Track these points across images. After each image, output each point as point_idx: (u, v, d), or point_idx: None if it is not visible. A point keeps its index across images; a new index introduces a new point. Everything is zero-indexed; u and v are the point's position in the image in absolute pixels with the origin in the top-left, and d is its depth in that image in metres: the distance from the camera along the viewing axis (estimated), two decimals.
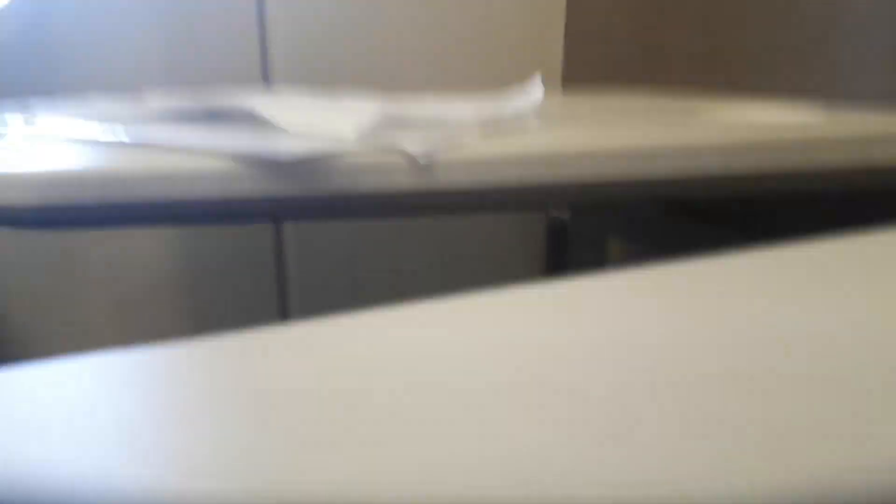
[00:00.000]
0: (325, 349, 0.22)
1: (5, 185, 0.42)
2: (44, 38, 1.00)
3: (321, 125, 0.53)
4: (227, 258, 1.10)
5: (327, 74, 1.04)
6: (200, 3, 1.03)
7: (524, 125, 0.62)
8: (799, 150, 0.59)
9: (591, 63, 1.13)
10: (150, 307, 1.08)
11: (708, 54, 0.93)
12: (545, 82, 0.70)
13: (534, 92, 0.68)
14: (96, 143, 0.52)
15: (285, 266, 1.11)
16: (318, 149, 0.47)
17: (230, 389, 0.19)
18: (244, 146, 0.48)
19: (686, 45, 0.96)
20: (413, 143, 0.50)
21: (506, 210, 0.90)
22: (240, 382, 0.19)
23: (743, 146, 0.59)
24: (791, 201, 0.72)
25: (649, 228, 0.99)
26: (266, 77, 1.07)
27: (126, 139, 0.52)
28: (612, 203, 0.84)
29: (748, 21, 0.87)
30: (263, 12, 1.04)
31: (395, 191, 0.50)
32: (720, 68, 0.91)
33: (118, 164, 0.46)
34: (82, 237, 1.03)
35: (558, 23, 1.15)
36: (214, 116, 0.65)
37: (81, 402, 0.18)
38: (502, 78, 0.80)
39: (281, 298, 1.11)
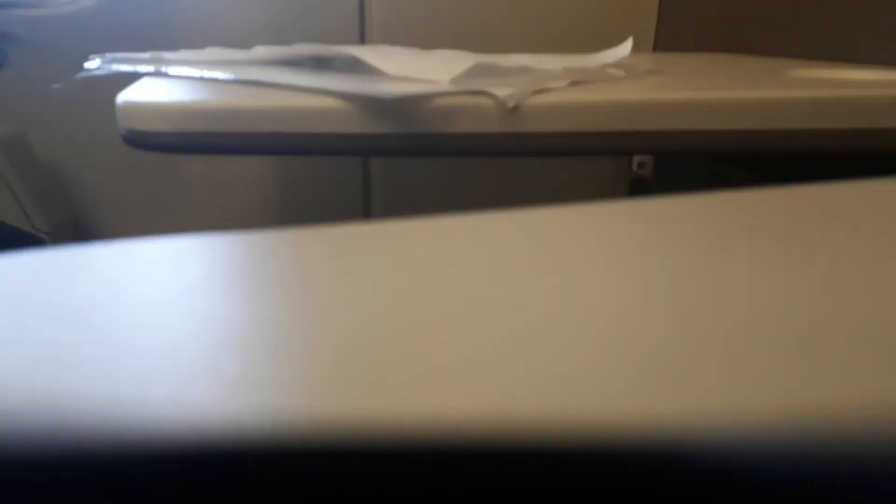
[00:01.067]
0: (405, 246, 0.23)
1: (144, 114, 0.48)
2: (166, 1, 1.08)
3: (418, 70, 0.57)
4: (318, 189, 1.18)
5: (423, 38, 1.08)
6: None
7: (611, 76, 0.64)
8: (887, 107, 0.58)
9: (682, 31, 1.13)
10: (241, 225, 1.17)
11: (801, 25, 0.91)
12: (636, 48, 0.71)
13: (622, 48, 0.70)
14: (217, 82, 0.58)
15: (371, 199, 1.18)
16: (414, 90, 0.51)
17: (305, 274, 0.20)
18: (348, 86, 0.52)
19: (779, 16, 0.95)
20: (502, 88, 0.53)
21: (587, 154, 0.92)
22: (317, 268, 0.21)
23: (833, 101, 0.59)
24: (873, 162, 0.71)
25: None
26: (363, 40, 1.12)
27: (242, 78, 0.58)
28: (690, 153, 0.85)
29: None
30: None
31: (484, 132, 0.53)
32: (811, 39, 0.89)
33: (235, 100, 0.51)
34: (191, 158, 1.13)
35: None
36: (319, 62, 0.70)
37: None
38: (595, 46, 0.82)
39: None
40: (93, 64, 0.68)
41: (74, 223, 1.16)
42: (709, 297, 0.20)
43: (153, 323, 0.16)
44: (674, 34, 1.14)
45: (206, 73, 0.61)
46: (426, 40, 1.05)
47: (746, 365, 0.16)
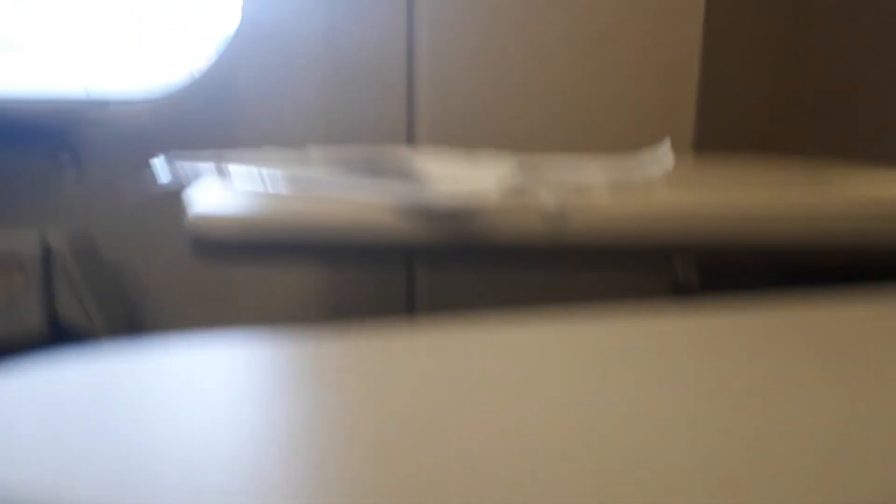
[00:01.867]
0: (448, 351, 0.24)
1: (214, 225, 0.51)
2: (227, 101, 1.15)
3: (466, 180, 0.60)
4: (363, 297, 1.20)
5: (468, 137, 1.12)
6: (355, 73, 1.15)
7: (653, 186, 0.66)
8: None
9: (721, 130, 1.15)
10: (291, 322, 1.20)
11: (841, 122, 0.93)
12: (676, 146, 0.73)
13: (663, 155, 0.72)
14: (279, 192, 0.61)
15: (415, 308, 1.19)
16: (463, 200, 0.54)
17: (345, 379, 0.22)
18: (400, 195, 0.55)
19: (817, 114, 0.96)
20: (547, 198, 0.55)
21: (633, 265, 0.93)
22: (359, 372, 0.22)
23: (878, 215, 0.59)
24: None
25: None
26: (411, 138, 1.17)
27: (299, 187, 0.61)
28: (738, 264, 0.85)
29: (884, 94, 0.86)
30: (412, 81, 1.15)
31: (530, 241, 0.55)
32: (856, 141, 0.90)
33: (292, 210, 0.54)
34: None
35: (691, 90, 1.18)
36: (372, 169, 0.73)
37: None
38: (635, 143, 0.84)
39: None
40: (158, 163, 0.73)
41: (132, 323, 1.19)
42: (759, 419, 0.20)
43: (189, 434, 0.17)
44: (713, 131, 1.16)
45: (266, 175, 0.64)
46: (470, 141, 1.09)
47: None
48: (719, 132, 1.15)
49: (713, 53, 1.15)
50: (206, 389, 0.20)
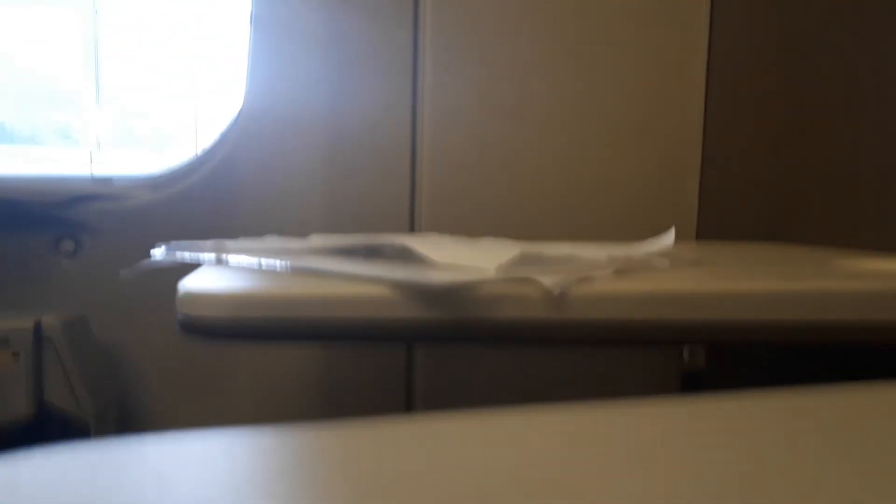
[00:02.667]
0: (445, 444, 0.23)
1: (202, 301, 0.50)
2: (229, 185, 1.16)
3: (465, 259, 0.59)
4: (362, 375, 1.17)
5: (469, 226, 1.12)
6: (358, 159, 1.17)
7: (655, 265, 0.65)
8: None
9: (723, 222, 1.15)
10: (286, 415, 1.16)
11: (841, 215, 0.92)
12: (678, 236, 0.73)
13: (666, 238, 0.72)
14: (274, 272, 0.60)
15: (414, 386, 1.16)
16: (462, 279, 0.52)
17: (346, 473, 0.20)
18: (398, 274, 0.54)
19: (819, 205, 0.97)
20: (548, 276, 0.54)
21: (634, 345, 0.91)
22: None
23: (881, 293, 0.58)
24: None
25: (788, 383, 0.95)
26: (413, 226, 1.17)
27: (298, 268, 0.60)
28: (744, 344, 0.83)
29: (884, 181, 0.87)
30: (415, 168, 1.16)
31: (530, 319, 0.54)
32: (858, 230, 0.90)
33: (289, 289, 0.53)
34: (240, 347, 1.16)
35: (693, 181, 1.19)
36: (371, 250, 0.73)
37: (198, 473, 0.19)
38: (637, 233, 0.84)
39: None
40: (158, 252, 0.73)
41: (121, 407, 1.17)
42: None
43: None
44: (715, 222, 1.16)
45: (265, 262, 0.64)
46: (472, 227, 1.09)
47: None
48: (721, 223, 1.16)
49: (714, 144, 1.17)
50: (191, 490, 0.18)
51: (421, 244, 0.65)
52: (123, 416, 1.17)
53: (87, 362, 1.08)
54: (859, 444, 0.24)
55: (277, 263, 0.62)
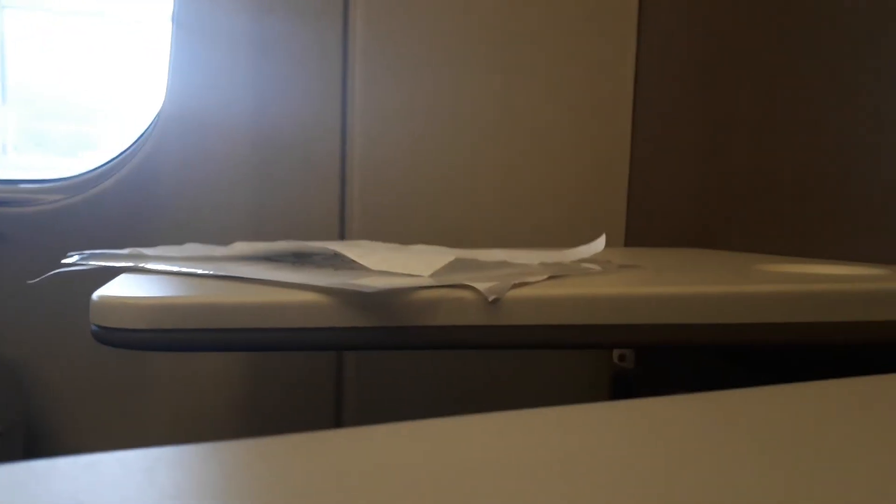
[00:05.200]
0: (372, 455, 0.22)
1: (118, 310, 0.47)
2: (148, 191, 1.11)
3: (398, 265, 0.57)
4: (289, 385, 1.14)
5: (401, 233, 1.11)
6: (285, 168, 1.14)
7: (587, 270, 0.65)
8: (862, 301, 0.59)
9: (651, 230, 1.18)
10: (208, 427, 1.12)
11: (766, 223, 0.96)
12: (608, 244, 0.74)
13: (596, 244, 0.72)
14: (194, 278, 0.58)
15: (343, 395, 1.14)
16: (397, 285, 0.51)
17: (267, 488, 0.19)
18: (328, 281, 0.52)
19: (744, 214, 1.00)
20: (482, 283, 0.53)
21: (568, 348, 0.91)
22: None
23: (807, 295, 0.60)
24: (847, 353, 0.71)
25: (714, 382, 0.98)
26: (342, 236, 1.15)
27: (221, 274, 0.58)
28: (672, 347, 0.84)
29: (808, 190, 0.90)
30: (344, 177, 1.14)
31: (464, 325, 0.53)
32: (780, 237, 0.93)
33: (211, 296, 0.51)
34: (157, 358, 1.10)
35: (621, 191, 1.21)
36: (299, 258, 0.70)
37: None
38: (566, 242, 0.84)
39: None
40: (71, 260, 0.68)
41: (28, 422, 1.10)
42: None
43: None
44: (643, 230, 1.19)
45: (185, 269, 0.61)
46: (404, 236, 1.08)
47: None
48: (648, 229, 1.18)
49: (642, 154, 1.19)
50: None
51: (352, 250, 0.63)
52: (31, 434, 1.10)
53: None
54: (789, 443, 0.25)
55: (200, 271, 0.59)
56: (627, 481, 0.20)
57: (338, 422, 1.16)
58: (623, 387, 1.12)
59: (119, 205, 1.10)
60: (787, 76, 0.93)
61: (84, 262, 0.67)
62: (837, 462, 0.22)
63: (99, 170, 1.14)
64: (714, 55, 1.07)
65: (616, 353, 1.14)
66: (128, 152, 1.14)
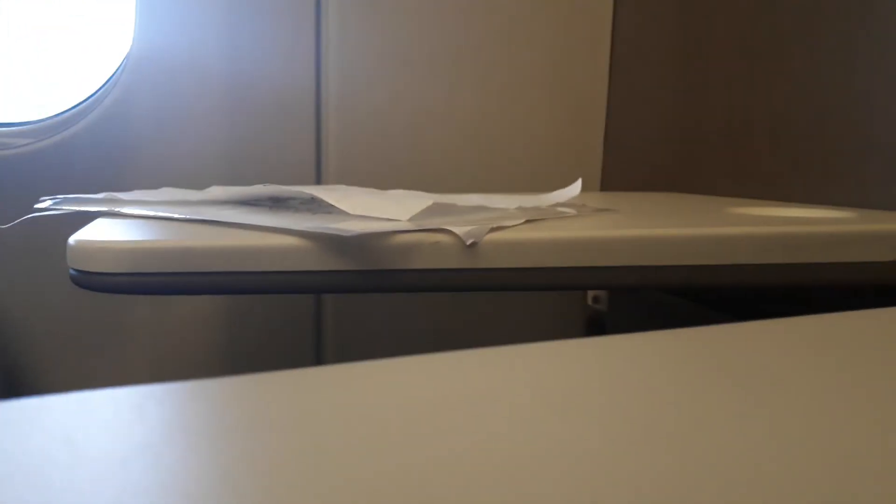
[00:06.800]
0: (352, 391, 0.22)
1: (96, 254, 0.47)
2: (120, 135, 1.09)
3: (376, 209, 0.58)
4: (269, 326, 1.15)
5: (378, 179, 1.11)
6: (259, 111, 1.12)
7: (563, 214, 0.66)
8: (829, 242, 0.61)
9: (627, 174, 1.19)
10: (188, 370, 1.12)
11: (740, 168, 0.97)
12: (584, 187, 0.74)
13: (573, 189, 0.73)
14: (171, 222, 0.57)
15: (323, 336, 1.15)
16: (373, 228, 0.51)
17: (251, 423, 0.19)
18: (306, 224, 0.52)
19: (721, 159, 1.01)
20: (460, 226, 0.54)
21: (544, 290, 0.93)
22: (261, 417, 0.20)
23: (776, 237, 0.61)
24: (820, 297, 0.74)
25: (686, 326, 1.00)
26: (319, 181, 1.14)
27: (197, 218, 0.58)
28: (644, 289, 0.86)
29: (782, 135, 0.91)
30: (320, 119, 1.13)
31: (442, 268, 0.53)
32: (754, 182, 0.95)
33: (189, 240, 0.51)
34: (137, 302, 1.10)
35: (598, 136, 1.21)
36: (276, 202, 0.70)
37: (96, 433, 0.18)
38: (543, 187, 0.85)
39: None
40: (44, 205, 0.68)
41: (7, 371, 1.10)
42: (675, 437, 0.19)
43: (114, 479, 0.15)
44: (619, 176, 1.19)
45: (161, 213, 0.61)
46: (381, 180, 1.08)
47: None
48: (624, 174, 1.19)
49: (618, 98, 1.19)
50: (101, 447, 0.17)
51: (329, 195, 0.63)
52: (10, 379, 1.10)
53: None
54: (762, 377, 0.26)
55: (177, 215, 0.59)
56: (604, 415, 0.21)
57: (318, 365, 1.17)
58: (596, 328, 1.15)
59: (90, 149, 1.08)
60: (763, 21, 0.93)
61: (58, 207, 0.66)
62: (797, 395, 0.23)
63: (67, 113, 1.12)
64: (691, 1, 1.06)
65: (590, 295, 1.16)
66: (96, 95, 1.12)
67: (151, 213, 0.61)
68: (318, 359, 1.18)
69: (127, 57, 1.08)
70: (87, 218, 0.61)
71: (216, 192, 0.74)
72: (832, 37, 0.83)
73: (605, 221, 0.65)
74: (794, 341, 0.31)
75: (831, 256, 0.61)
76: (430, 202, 0.61)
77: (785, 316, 0.35)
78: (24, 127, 1.11)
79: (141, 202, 0.69)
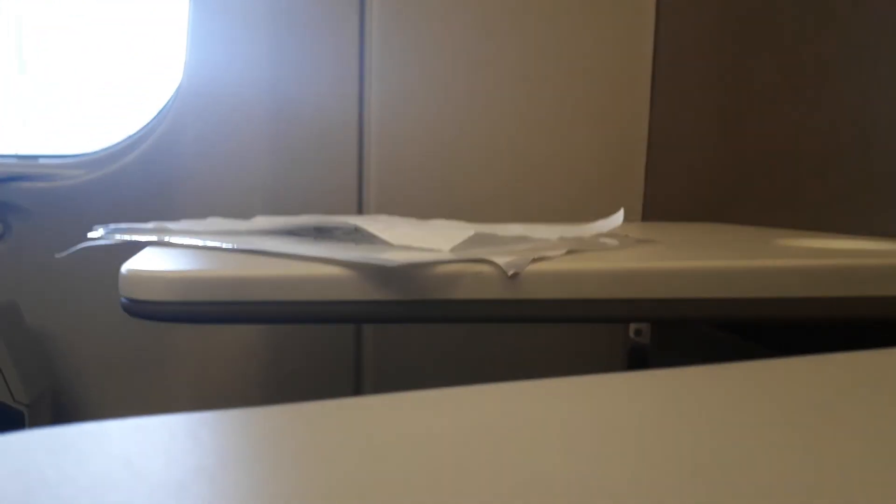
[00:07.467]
0: (391, 424, 0.22)
1: (147, 283, 0.48)
2: (169, 166, 1.12)
3: (418, 240, 0.58)
4: (309, 358, 1.16)
5: (418, 210, 1.12)
6: (303, 143, 1.15)
7: (605, 245, 0.65)
8: (882, 276, 0.59)
9: (669, 204, 1.18)
10: (231, 398, 1.14)
11: (784, 197, 0.95)
12: (626, 218, 0.74)
13: (614, 219, 0.72)
14: (219, 252, 0.59)
15: (363, 367, 1.16)
16: (416, 258, 0.52)
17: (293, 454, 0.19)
18: (349, 255, 0.53)
19: (762, 189, 0.99)
20: (501, 256, 0.54)
21: (586, 321, 0.92)
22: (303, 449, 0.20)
23: (825, 270, 0.60)
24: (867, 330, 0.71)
25: (729, 359, 0.98)
26: (361, 211, 1.16)
27: (244, 248, 0.59)
28: (689, 321, 0.85)
29: (826, 165, 0.90)
30: (363, 150, 1.15)
31: (484, 299, 0.53)
32: (798, 212, 0.93)
33: (237, 270, 0.52)
34: (181, 331, 1.12)
35: (639, 165, 1.21)
36: (320, 232, 0.71)
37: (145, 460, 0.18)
38: (584, 218, 0.84)
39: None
40: (96, 234, 0.70)
41: (54, 395, 1.13)
42: (712, 476, 0.18)
43: (172, 502, 0.15)
44: (661, 205, 1.18)
45: (209, 243, 0.62)
46: (422, 211, 1.09)
47: None
48: (666, 204, 1.18)
49: (660, 127, 1.18)
50: (160, 472, 0.17)
51: (373, 225, 0.64)
52: (58, 407, 1.13)
53: (19, 349, 1.03)
54: (803, 413, 0.25)
55: (224, 245, 0.61)
56: (642, 449, 0.21)
57: (357, 395, 1.17)
58: (638, 361, 1.13)
59: (139, 180, 1.11)
60: (805, 49, 0.92)
61: (110, 236, 0.68)
62: (850, 432, 0.22)
63: (119, 146, 1.15)
64: (733, 28, 1.05)
65: (632, 327, 1.14)
66: (147, 128, 1.15)
67: (199, 243, 0.62)
68: (357, 387, 1.18)
69: (178, 90, 1.12)
70: (136, 247, 0.63)
71: (261, 222, 0.76)
72: (880, 61, 0.82)
73: (647, 252, 0.65)
74: (848, 378, 0.30)
75: (882, 290, 0.60)
76: (471, 232, 0.61)
77: (838, 351, 0.34)
78: (78, 159, 1.15)
79: (189, 232, 0.70)
